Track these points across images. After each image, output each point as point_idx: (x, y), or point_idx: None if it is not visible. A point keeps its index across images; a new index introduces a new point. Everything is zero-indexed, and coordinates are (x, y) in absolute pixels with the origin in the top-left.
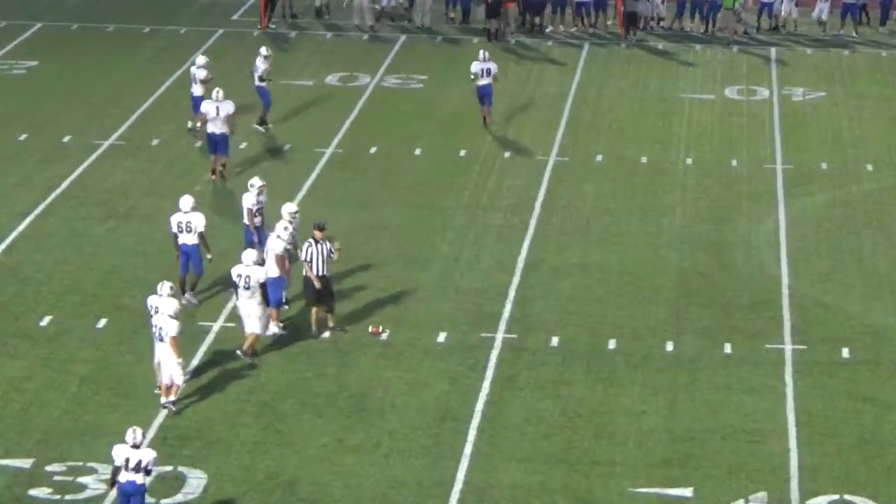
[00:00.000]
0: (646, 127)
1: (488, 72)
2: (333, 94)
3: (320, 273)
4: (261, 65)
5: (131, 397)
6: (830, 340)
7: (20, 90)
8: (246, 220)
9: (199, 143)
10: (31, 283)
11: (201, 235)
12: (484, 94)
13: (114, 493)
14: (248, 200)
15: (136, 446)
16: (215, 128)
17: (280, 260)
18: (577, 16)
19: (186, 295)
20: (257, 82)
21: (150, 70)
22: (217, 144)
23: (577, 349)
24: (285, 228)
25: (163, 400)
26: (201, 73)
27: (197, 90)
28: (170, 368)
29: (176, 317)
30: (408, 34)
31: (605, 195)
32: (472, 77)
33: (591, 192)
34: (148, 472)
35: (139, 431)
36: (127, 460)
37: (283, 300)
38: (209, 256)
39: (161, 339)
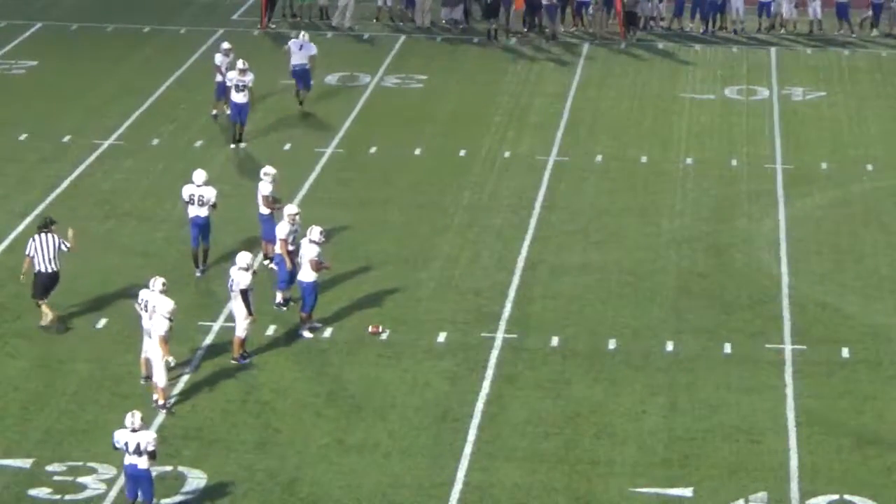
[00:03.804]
0: (646, 127)
1: None
2: (333, 94)
3: (48, 269)
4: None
5: (131, 397)
6: (830, 340)
7: (20, 90)
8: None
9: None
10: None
11: (213, 207)
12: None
13: (114, 493)
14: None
15: (135, 430)
16: (298, 60)
17: (315, 264)
18: (577, 16)
19: (199, 270)
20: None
21: (151, 70)
22: (300, 78)
23: (577, 349)
24: (290, 232)
25: (156, 402)
26: (220, 59)
27: (219, 77)
28: (155, 367)
29: (168, 316)
30: (408, 34)
31: (605, 195)
32: None
33: (591, 192)
34: (151, 455)
35: (137, 416)
36: (126, 444)
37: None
38: None
39: (150, 336)
